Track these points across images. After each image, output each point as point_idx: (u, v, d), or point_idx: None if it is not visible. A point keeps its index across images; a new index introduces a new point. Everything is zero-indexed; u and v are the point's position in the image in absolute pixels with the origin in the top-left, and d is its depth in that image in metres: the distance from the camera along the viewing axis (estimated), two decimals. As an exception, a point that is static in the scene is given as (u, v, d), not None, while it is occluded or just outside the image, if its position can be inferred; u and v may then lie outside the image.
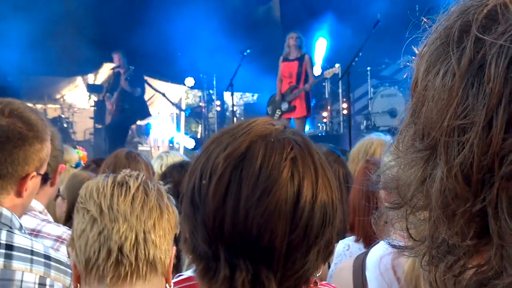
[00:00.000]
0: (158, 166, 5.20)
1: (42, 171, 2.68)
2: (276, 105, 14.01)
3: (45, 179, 2.75)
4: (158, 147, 20.32)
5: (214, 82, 19.09)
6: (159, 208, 2.16)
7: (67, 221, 4.09)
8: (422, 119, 0.87)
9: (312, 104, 18.27)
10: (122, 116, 14.71)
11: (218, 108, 19.68)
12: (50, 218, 3.28)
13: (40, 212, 3.23)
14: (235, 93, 16.25)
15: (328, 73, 13.75)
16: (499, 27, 0.79)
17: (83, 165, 5.63)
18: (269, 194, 1.50)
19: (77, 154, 5.70)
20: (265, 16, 20.15)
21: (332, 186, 1.60)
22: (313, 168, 1.57)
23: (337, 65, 14.09)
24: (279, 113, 13.77)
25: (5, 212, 2.53)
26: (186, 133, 20.58)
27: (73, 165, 5.35)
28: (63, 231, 3.16)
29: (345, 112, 16.28)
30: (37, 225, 3.11)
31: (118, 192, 2.14)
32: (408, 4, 15.87)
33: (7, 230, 2.50)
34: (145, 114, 15.33)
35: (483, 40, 0.80)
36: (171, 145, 21.33)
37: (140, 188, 2.16)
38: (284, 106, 13.65)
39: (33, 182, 2.63)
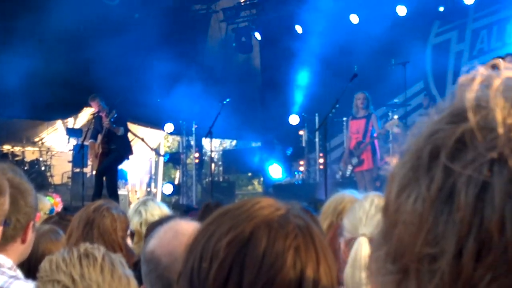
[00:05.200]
0: (137, 224, 5.07)
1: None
2: (347, 161, 14.41)
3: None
4: (136, 191, 20.32)
5: (193, 129, 19.20)
6: (126, 277, 2.24)
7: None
8: (394, 242, 0.86)
9: (289, 153, 18.49)
10: (110, 157, 14.69)
11: (197, 155, 19.76)
12: (20, 274, 3.20)
13: (9, 269, 3.15)
14: (213, 139, 16.35)
15: (389, 125, 14.14)
16: (468, 155, 0.80)
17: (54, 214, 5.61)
18: (272, 283, 1.47)
19: (49, 202, 5.72)
20: (245, 64, 20.36)
21: (332, 270, 1.59)
22: (315, 255, 1.55)
23: (396, 117, 14.50)
24: (351, 168, 14.21)
25: None
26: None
27: (47, 212, 5.37)
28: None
29: (321, 161, 16.46)
30: (5, 282, 3.04)
31: (86, 262, 2.19)
32: (384, 57, 16.31)
33: None
34: (130, 152, 15.34)
35: (452, 168, 0.81)
36: (148, 189, 21.36)
37: (106, 258, 2.23)
38: (354, 160, 14.07)
39: None
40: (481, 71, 0.88)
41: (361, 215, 2.90)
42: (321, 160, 16.28)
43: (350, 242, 2.88)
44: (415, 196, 0.83)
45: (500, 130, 0.80)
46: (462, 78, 0.90)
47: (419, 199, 0.83)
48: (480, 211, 0.77)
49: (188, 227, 2.49)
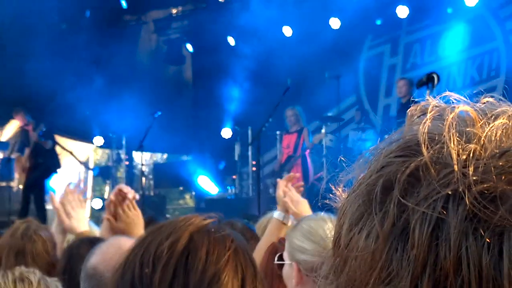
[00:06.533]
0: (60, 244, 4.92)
1: None
2: (276, 176, 14.55)
3: None
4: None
5: (124, 142, 18.94)
6: None
7: None
8: (344, 278, 0.84)
9: (221, 167, 18.35)
10: (38, 171, 14.41)
11: (127, 168, 19.52)
12: None
13: None
14: (144, 153, 16.16)
15: (316, 139, 14.18)
16: (421, 191, 0.78)
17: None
18: (218, 281, 1.52)
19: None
20: (176, 77, 20.26)
21: (259, 280, 1.65)
22: (249, 260, 1.63)
23: (323, 130, 14.42)
24: None
25: None
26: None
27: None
28: None
29: (254, 175, 16.36)
30: None
31: (21, 287, 2.14)
32: (318, 69, 16.31)
33: None
34: (58, 166, 15.08)
35: (406, 204, 0.78)
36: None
37: (41, 282, 2.19)
38: (285, 175, 14.14)
39: None
40: (433, 103, 0.87)
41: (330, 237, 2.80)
42: (254, 175, 16.18)
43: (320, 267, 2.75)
44: (368, 231, 0.81)
45: (455, 165, 0.77)
46: (412, 109, 0.88)
47: (372, 234, 0.80)
48: (435, 249, 0.75)
49: (130, 243, 2.46)
